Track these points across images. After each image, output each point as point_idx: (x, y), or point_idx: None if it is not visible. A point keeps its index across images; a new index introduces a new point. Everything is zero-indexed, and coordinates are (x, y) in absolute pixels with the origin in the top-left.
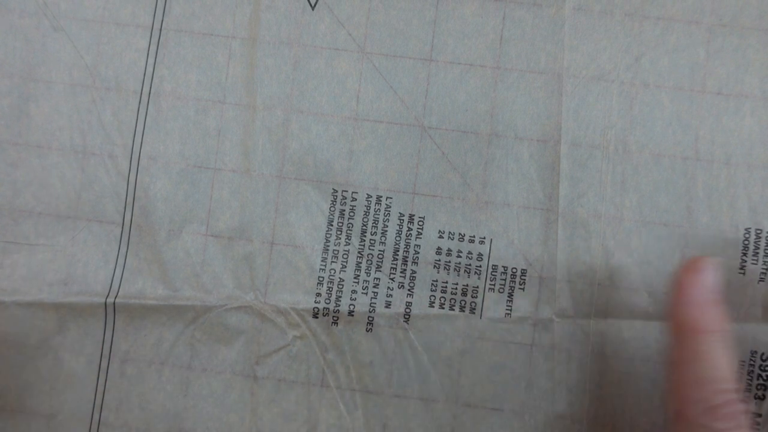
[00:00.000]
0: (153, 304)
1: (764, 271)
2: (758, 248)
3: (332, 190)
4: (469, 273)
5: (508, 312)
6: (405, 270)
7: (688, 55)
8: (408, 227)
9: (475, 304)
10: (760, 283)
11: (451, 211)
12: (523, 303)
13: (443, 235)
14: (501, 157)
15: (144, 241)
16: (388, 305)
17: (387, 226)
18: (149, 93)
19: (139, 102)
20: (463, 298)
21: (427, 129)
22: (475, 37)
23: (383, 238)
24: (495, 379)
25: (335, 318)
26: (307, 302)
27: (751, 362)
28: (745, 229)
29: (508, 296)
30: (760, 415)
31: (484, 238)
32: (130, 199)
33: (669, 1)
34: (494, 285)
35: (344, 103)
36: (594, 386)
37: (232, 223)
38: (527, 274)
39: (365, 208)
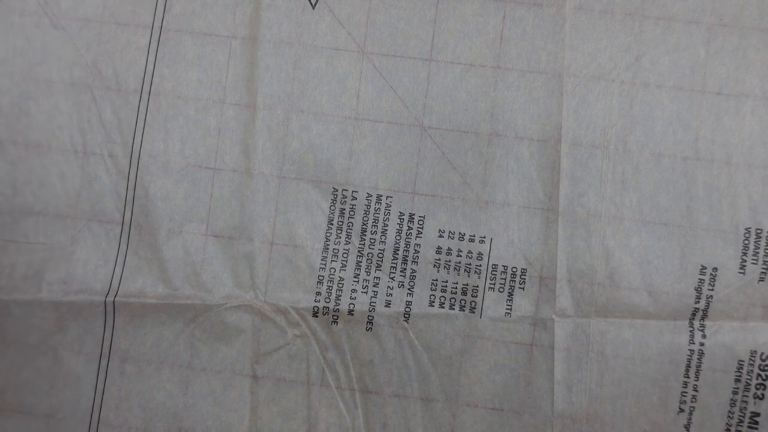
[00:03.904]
0: (153, 302)
1: (764, 270)
2: (758, 248)
3: (332, 189)
4: (469, 272)
5: (508, 311)
6: (405, 269)
7: (689, 54)
8: (408, 226)
9: (475, 303)
10: (760, 282)
11: (451, 210)
12: (523, 302)
13: (443, 235)
14: (501, 156)
15: (144, 240)
16: (388, 304)
17: (387, 226)
18: (149, 92)
19: (140, 101)
20: (463, 297)
21: (427, 128)
22: (475, 36)
23: (383, 237)
24: (495, 379)
25: (335, 317)
26: (307, 301)
27: (751, 362)
28: (745, 229)
29: (508, 296)
30: (758, 415)
31: (484, 237)
32: (130, 197)
33: (669, 1)
34: (494, 284)
35: (344, 103)
36: (593, 386)
37: (232, 222)
38: (527, 274)
39: (365, 208)
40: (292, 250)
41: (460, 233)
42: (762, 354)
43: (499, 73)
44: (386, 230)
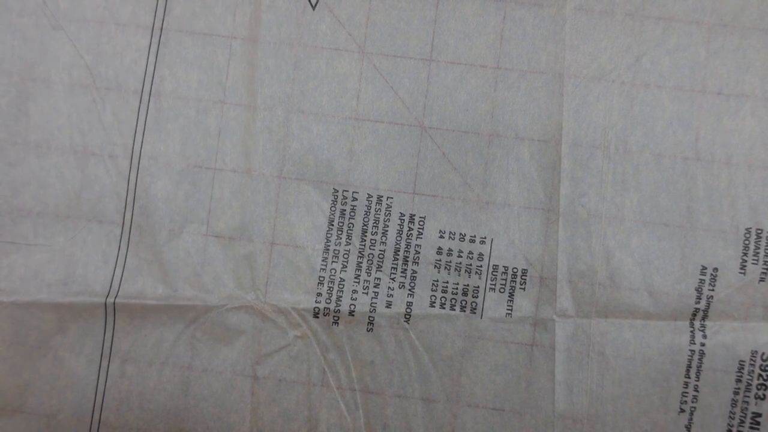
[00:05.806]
0: (153, 304)
1: (764, 271)
2: (758, 248)
3: (333, 190)
4: (469, 273)
5: (509, 312)
6: (406, 270)
7: (689, 55)
8: (408, 227)
9: (476, 304)
10: (760, 283)
11: (451, 211)
12: (523, 303)
13: (444, 235)
14: (501, 157)
15: (144, 241)
16: (388, 305)
17: (387, 226)
18: (150, 93)
19: (140, 102)
20: (464, 298)
21: (427, 129)
22: (475, 36)
23: (384, 238)
24: (495, 379)
25: (336, 318)
26: (308, 302)
27: (751, 362)
28: (745, 229)
29: (509, 296)
30: (760, 415)
31: (485, 238)
32: (130, 199)
33: (670, 1)
34: (495, 285)
35: (345, 103)
36: (594, 386)
37: (233, 223)
38: (528, 274)
39: (366, 208)
40: (292, 251)
41: (460, 234)
42: (763, 354)
43: (500, 73)
44: (387, 231)
